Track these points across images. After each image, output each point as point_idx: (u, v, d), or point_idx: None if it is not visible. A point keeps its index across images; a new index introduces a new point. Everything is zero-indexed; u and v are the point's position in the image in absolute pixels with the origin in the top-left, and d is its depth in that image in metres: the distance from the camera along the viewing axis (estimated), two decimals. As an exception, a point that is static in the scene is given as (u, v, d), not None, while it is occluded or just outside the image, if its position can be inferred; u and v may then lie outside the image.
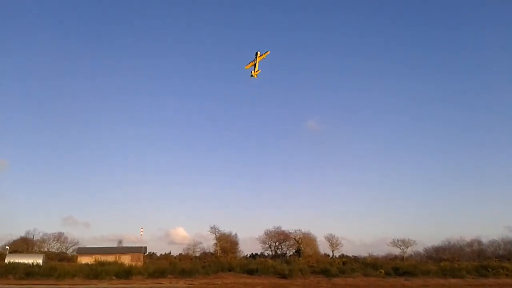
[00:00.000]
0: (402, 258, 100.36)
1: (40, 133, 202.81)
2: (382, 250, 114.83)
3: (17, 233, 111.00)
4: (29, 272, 67.22)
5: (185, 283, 63.34)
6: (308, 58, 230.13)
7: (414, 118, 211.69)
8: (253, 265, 77.43)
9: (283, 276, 70.51)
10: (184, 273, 70.83)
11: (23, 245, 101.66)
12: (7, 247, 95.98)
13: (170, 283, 63.72)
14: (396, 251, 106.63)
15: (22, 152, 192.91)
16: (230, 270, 75.00)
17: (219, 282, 64.11)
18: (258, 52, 57.76)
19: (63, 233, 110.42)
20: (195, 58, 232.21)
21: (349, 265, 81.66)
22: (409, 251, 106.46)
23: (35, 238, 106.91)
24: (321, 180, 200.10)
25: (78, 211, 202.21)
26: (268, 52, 58.53)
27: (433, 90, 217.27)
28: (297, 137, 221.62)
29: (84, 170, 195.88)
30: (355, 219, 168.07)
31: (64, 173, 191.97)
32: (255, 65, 58.53)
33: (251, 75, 59.16)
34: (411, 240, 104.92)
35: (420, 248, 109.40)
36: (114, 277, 67.71)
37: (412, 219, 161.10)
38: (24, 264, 71.56)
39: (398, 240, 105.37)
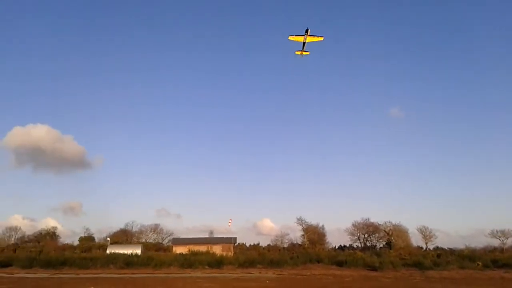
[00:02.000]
0: (501, 250, 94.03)
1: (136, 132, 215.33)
2: (480, 242, 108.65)
3: (117, 225, 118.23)
4: (128, 262, 72.02)
5: (274, 273, 64.23)
6: (392, 45, 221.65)
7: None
8: (341, 257, 76.65)
9: (373, 268, 69.10)
10: (272, 264, 72.02)
11: (123, 236, 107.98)
12: (108, 238, 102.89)
13: (260, 273, 64.93)
14: (495, 242, 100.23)
15: (119, 149, 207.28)
16: (318, 262, 74.88)
17: (308, 273, 64.22)
18: (309, 30, 54.99)
19: (159, 224, 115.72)
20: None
21: (444, 257, 78.15)
22: (510, 242, 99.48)
23: (134, 229, 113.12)
24: (409, 169, 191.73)
25: (171, 204, 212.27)
26: (322, 38, 56.02)
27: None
28: (381, 125, 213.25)
29: (175, 165, 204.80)
30: (450, 210, 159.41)
31: (157, 168, 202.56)
32: (304, 43, 56.12)
33: (298, 53, 57.31)
34: (511, 230, 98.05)
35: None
36: (206, 266, 70.64)
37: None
38: (123, 254, 76.43)
39: (497, 231, 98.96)
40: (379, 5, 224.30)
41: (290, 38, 56.32)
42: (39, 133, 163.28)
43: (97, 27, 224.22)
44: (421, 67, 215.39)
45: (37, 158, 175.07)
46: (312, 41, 56.22)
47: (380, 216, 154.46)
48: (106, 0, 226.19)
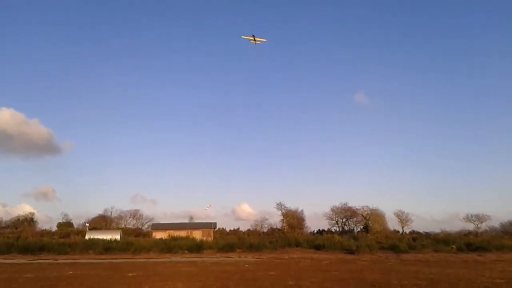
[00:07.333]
0: (476, 234, 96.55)
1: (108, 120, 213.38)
2: (455, 226, 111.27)
3: (96, 211, 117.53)
4: (107, 247, 71.92)
5: (253, 257, 64.92)
6: (357, 31, 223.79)
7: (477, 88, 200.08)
8: (320, 241, 77.79)
9: (350, 251, 70.35)
10: (252, 248, 72.85)
11: (102, 222, 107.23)
12: (87, 224, 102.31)
13: (239, 257, 65.55)
14: (470, 226, 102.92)
15: (91, 135, 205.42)
16: (297, 246, 75.85)
17: (286, 257, 65.08)
18: (254, 36, 78.34)
19: (139, 210, 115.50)
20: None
21: (420, 241, 79.96)
22: (484, 226, 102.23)
23: (113, 215, 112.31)
24: (386, 155, 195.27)
25: (146, 189, 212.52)
26: (265, 40, 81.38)
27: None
28: (347, 110, 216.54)
29: (150, 150, 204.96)
30: (425, 194, 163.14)
31: (131, 153, 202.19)
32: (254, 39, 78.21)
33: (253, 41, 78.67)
34: (485, 215, 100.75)
35: (496, 223, 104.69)
36: (186, 251, 71.03)
37: (487, 193, 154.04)
38: (103, 240, 76.23)
39: (471, 215, 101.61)
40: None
41: (242, 37, 79.03)
42: (3, 117, 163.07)
43: (67, 13, 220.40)
44: (386, 51, 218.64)
45: (3, 142, 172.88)
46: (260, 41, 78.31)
47: (358, 201, 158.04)
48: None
